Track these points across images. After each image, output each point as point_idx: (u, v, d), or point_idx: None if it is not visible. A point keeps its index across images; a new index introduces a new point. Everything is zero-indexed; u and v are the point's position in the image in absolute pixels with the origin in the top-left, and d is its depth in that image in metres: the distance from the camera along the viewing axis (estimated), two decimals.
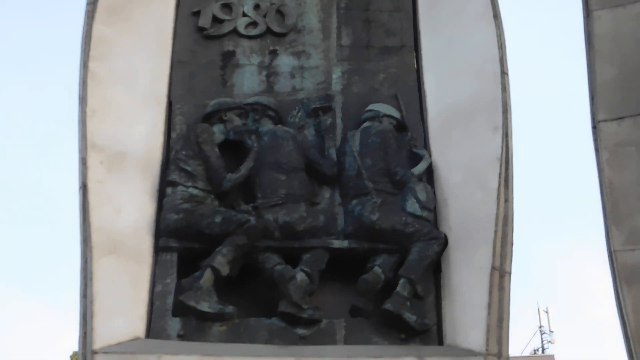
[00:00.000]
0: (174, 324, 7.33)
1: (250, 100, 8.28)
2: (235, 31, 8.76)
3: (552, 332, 47.85)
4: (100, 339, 6.96)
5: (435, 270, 7.68)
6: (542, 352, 47.00)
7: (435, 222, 7.81)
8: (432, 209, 7.84)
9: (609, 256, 7.81)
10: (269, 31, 8.81)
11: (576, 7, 8.58)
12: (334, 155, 8.08)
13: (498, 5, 8.45)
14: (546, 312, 48.69)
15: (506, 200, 7.59)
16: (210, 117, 8.11)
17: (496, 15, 8.37)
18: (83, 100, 7.75)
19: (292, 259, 7.63)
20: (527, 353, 46.60)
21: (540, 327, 48.11)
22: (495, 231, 7.44)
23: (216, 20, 8.77)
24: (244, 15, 8.85)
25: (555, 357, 45.34)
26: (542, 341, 47.61)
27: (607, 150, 8.04)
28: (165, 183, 7.80)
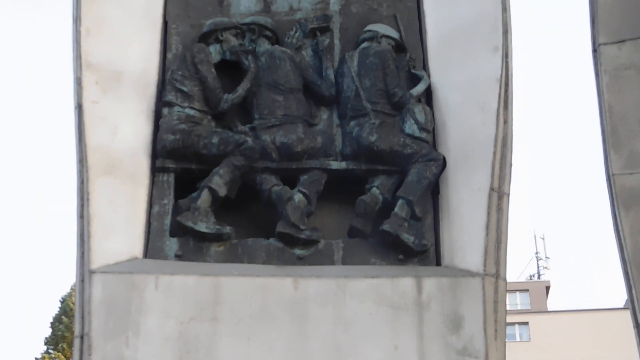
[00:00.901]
0: (172, 244, 7.34)
1: (247, 20, 8.17)
2: None
3: (548, 258, 48.45)
4: (98, 259, 6.97)
5: (433, 192, 7.67)
6: (538, 278, 47.62)
7: (433, 144, 7.78)
8: (431, 131, 7.80)
9: (607, 180, 7.80)
10: None
11: None
12: (332, 76, 8.01)
13: None
14: (542, 238, 49.28)
15: (505, 122, 7.54)
16: (207, 37, 8.01)
17: None
18: (77, 19, 7.63)
19: (290, 180, 7.62)
20: (523, 279, 47.23)
21: (536, 253, 48.70)
22: (494, 152, 7.41)
23: None
24: None
25: (551, 282, 45.96)
26: (538, 267, 48.21)
27: (607, 74, 7.98)
28: (161, 104, 7.74)
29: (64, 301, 34.03)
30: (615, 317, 39.14)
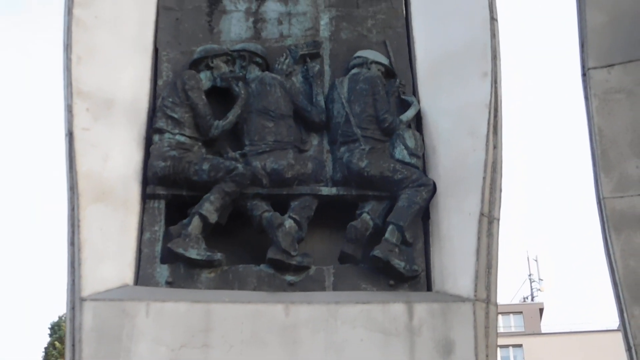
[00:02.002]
0: (163, 271, 7.33)
1: (238, 46, 8.20)
2: None
3: (541, 280, 48.41)
4: (89, 286, 6.95)
5: (424, 217, 7.68)
6: (532, 300, 47.59)
7: (424, 169, 7.80)
8: (421, 156, 7.83)
9: (598, 203, 7.81)
10: None
11: None
12: (322, 102, 8.04)
13: None
14: (535, 260, 49.26)
15: (495, 147, 7.58)
16: (197, 64, 8.04)
17: None
18: (68, 47, 7.65)
19: (281, 206, 7.62)
20: (516, 301, 47.19)
21: (529, 275, 48.67)
22: (484, 177, 7.43)
23: None
24: None
25: (544, 304, 45.91)
26: (532, 289, 48.18)
27: (596, 98, 8.01)
28: (152, 130, 7.75)
29: (58, 328, 33.87)
30: (608, 339, 39.07)
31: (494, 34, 7.91)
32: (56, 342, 33.54)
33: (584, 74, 8.13)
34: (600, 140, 7.89)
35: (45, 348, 34.20)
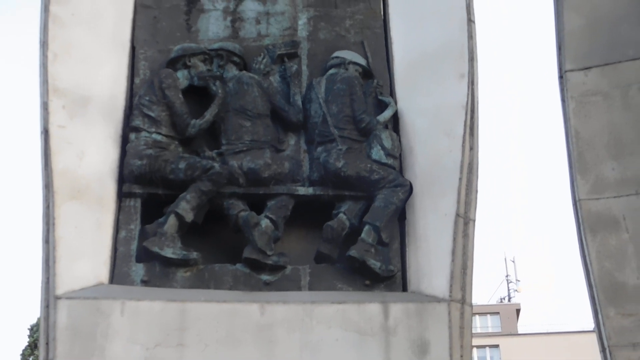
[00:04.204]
0: (138, 270, 7.31)
1: (215, 45, 8.19)
2: None
3: (518, 281, 48.63)
4: (63, 284, 6.92)
5: (400, 217, 7.69)
6: (509, 300, 47.79)
7: (400, 169, 7.81)
8: (398, 156, 7.84)
9: (573, 205, 7.88)
10: None
11: None
12: (300, 102, 8.04)
13: None
14: (513, 261, 49.47)
15: (471, 148, 7.60)
16: (175, 63, 8.02)
17: None
18: (44, 44, 7.61)
19: (257, 205, 7.62)
20: (493, 302, 47.36)
21: (506, 276, 48.86)
22: (460, 178, 7.46)
23: None
24: None
25: (521, 305, 46.13)
26: (509, 290, 48.38)
27: (573, 100, 8.07)
28: (128, 129, 7.73)
29: (36, 330, 33.62)
30: (585, 339, 39.24)
31: (471, 36, 7.94)
32: (35, 343, 33.33)
33: (560, 77, 8.19)
34: (576, 142, 7.94)
35: (23, 350, 33.98)
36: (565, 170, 8.05)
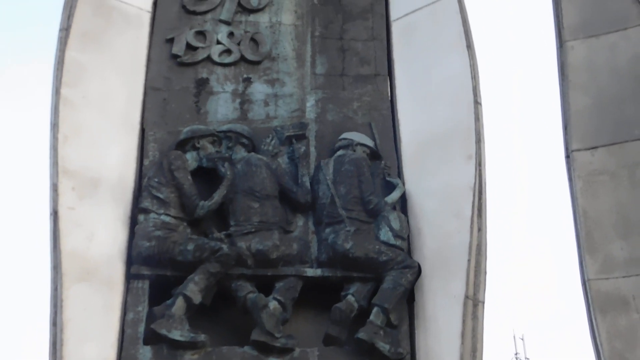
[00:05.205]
0: (146, 352, 7.24)
1: (224, 127, 8.26)
2: (209, 59, 8.75)
3: (527, 359, 48.00)
4: None
5: (409, 299, 7.65)
6: None
7: (409, 251, 7.80)
8: (406, 238, 7.83)
9: (582, 285, 7.84)
10: (243, 59, 8.80)
11: (549, 38, 8.65)
12: (308, 183, 8.07)
13: (471, 35, 8.50)
14: (522, 339, 48.85)
15: (479, 230, 7.60)
16: (184, 144, 8.08)
17: (469, 45, 8.42)
18: (55, 126, 7.69)
19: (266, 287, 7.58)
20: None
21: (516, 354, 48.24)
22: (469, 260, 7.45)
23: (190, 47, 8.77)
24: (218, 42, 8.86)
25: None
26: None
27: (580, 179, 8.08)
28: (137, 210, 7.75)
29: None
30: None
31: (477, 117, 8.00)
32: None
33: (567, 156, 8.20)
34: (584, 221, 7.94)
35: None
36: (574, 248, 8.02)
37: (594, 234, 7.90)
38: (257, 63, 8.80)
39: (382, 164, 8.21)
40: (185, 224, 7.76)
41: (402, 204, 8.05)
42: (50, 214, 7.40)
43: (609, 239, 7.87)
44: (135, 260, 7.52)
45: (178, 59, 8.69)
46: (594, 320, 7.66)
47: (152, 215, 7.69)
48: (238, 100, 8.55)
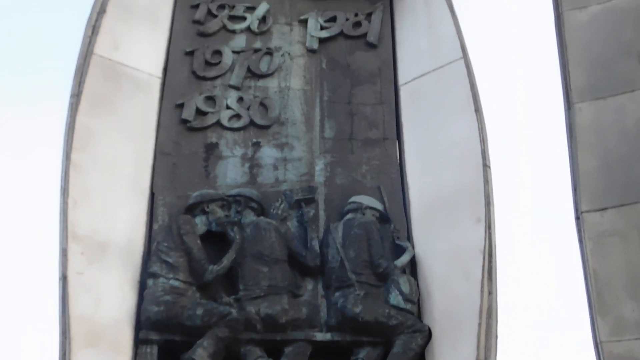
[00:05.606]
0: None
1: (233, 191, 8.29)
2: (218, 123, 8.81)
3: None
4: None
5: None
6: None
7: (419, 314, 7.77)
8: (416, 302, 7.80)
9: (595, 347, 7.74)
10: (252, 123, 8.85)
11: (557, 100, 8.67)
12: (317, 247, 8.07)
13: (479, 99, 8.53)
14: None
15: (490, 293, 7.56)
16: (193, 209, 8.10)
17: (477, 109, 8.44)
18: (65, 191, 7.73)
19: (275, 351, 7.55)
20: None
21: None
22: (479, 324, 7.39)
23: (200, 112, 8.82)
24: (228, 107, 8.91)
25: None
26: None
27: (591, 241, 8.03)
28: (146, 274, 7.75)
29: None
30: None
31: (487, 180, 8.00)
32: None
33: (577, 217, 8.16)
34: (595, 283, 7.87)
35: None
36: (585, 310, 7.95)
37: (605, 295, 7.84)
38: (267, 127, 8.85)
39: (391, 227, 8.20)
40: (194, 288, 7.74)
41: (412, 267, 8.03)
42: (60, 279, 7.41)
43: (620, 300, 7.80)
44: (144, 325, 7.50)
45: (188, 124, 8.75)
46: None
47: (161, 279, 7.67)
48: (247, 165, 8.59)
